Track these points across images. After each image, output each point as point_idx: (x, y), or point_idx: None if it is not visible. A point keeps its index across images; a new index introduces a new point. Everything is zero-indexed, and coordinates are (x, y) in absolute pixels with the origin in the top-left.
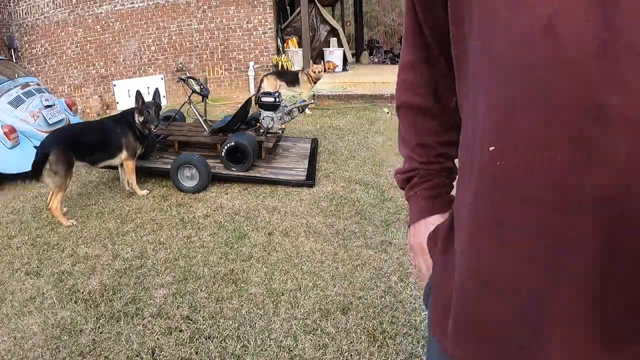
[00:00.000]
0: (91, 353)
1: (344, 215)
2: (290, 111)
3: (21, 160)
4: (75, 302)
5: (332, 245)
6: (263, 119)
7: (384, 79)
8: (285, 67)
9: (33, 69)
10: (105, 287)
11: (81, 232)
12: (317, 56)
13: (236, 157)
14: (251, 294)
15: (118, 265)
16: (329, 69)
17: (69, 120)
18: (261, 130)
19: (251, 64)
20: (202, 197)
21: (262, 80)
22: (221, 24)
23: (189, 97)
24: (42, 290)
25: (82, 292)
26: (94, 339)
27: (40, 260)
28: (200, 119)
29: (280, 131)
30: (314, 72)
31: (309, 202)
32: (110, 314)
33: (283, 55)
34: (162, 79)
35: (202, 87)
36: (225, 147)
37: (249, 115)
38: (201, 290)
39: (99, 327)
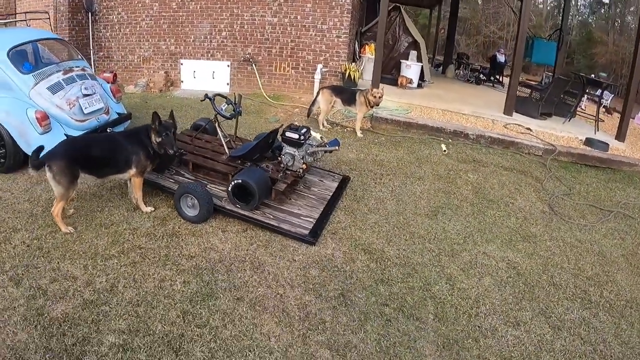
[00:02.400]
0: None
1: (326, 294)
2: (315, 153)
3: (50, 146)
4: (36, 327)
5: (292, 333)
6: (284, 154)
7: (456, 107)
8: (352, 78)
9: (108, 34)
10: (66, 317)
11: (73, 243)
12: (394, 67)
13: (243, 194)
14: None
15: (88, 294)
16: (401, 84)
17: (109, 109)
18: (281, 165)
19: (319, 66)
20: (199, 230)
21: (317, 93)
22: (295, 21)
23: (215, 116)
24: (15, 304)
25: (45, 317)
26: None
27: (27, 267)
28: (223, 141)
29: (300, 171)
30: (374, 96)
31: (299, 265)
32: (58, 350)
33: (353, 65)
34: (228, 66)
35: (235, 106)
36: (232, 183)
37: (275, 144)
38: (144, 350)
39: None
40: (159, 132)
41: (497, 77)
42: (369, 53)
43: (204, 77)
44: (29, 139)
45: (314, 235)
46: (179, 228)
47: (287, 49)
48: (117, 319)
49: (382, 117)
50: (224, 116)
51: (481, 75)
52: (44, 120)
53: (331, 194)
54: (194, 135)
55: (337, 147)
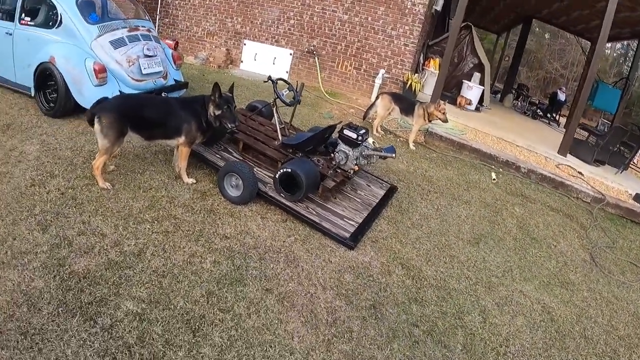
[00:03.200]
0: (32, 338)
1: (357, 303)
2: (370, 156)
3: None
4: (54, 277)
5: (317, 337)
6: (337, 152)
7: (510, 137)
8: (413, 89)
9: (177, 2)
10: (87, 273)
11: (108, 200)
12: (455, 86)
13: (289, 184)
14: (200, 354)
15: (113, 254)
16: (460, 104)
17: (167, 75)
18: (333, 162)
19: (382, 71)
20: (237, 212)
21: (377, 98)
22: (365, 21)
23: (274, 100)
24: (37, 250)
25: (66, 269)
26: (42, 326)
27: (57, 215)
28: (278, 127)
29: (351, 172)
30: (440, 111)
31: (335, 268)
32: (72, 306)
33: (416, 75)
34: (290, 54)
35: (294, 93)
36: (281, 171)
37: (330, 140)
38: (160, 324)
39: (54, 315)
40: (218, 105)
41: (555, 114)
42: (433, 67)
43: (265, 61)
44: (82, 89)
45: (354, 240)
46: (217, 206)
47: (352, 48)
48: (139, 286)
49: (437, 133)
50: (283, 101)
51: (538, 110)
52: (101, 72)
53: (377, 200)
54: (249, 115)
55: (393, 155)
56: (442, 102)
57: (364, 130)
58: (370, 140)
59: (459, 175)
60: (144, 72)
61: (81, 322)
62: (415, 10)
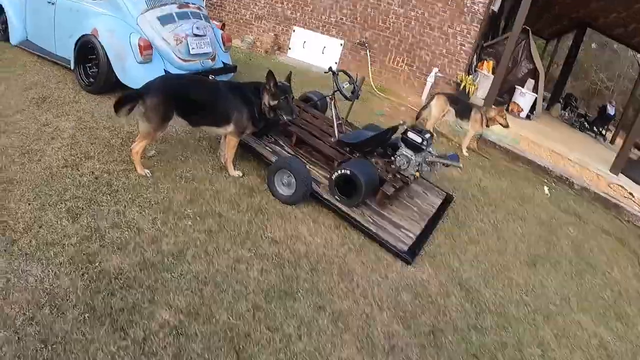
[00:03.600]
0: (53, 347)
1: (415, 328)
2: (433, 163)
3: (145, 79)
4: (82, 275)
5: None
6: (399, 155)
7: (562, 150)
8: (467, 90)
9: None
10: (120, 273)
11: (146, 189)
12: (507, 91)
13: (346, 186)
14: None
15: (150, 253)
16: (512, 110)
17: (215, 56)
18: (392, 166)
19: (435, 70)
20: (288, 213)
21: (432, 98)
22: (422, 17)
23: (333, 93)
24: (65, 241)
25: (96, 267)
26: (65, 334)
27: (90, 202)
28: (335, 122)
29: (412, 177)
30: (502, 116)
31: (391, 284)
32: (101, 312)
33: (470, 77)
34: (341, 44)
35: (354, 87)
36: (339, 172)
37: (390, 141)
38: (200, 341)
39: (80, 321)
40: (274, 95)
41: (602, 129)
42: (486, 70)
43: (314, 49)
44: (125, 65)
45: (412, 254)
46: (266, 204)
47: (406, 43)
48: (177, 293)
49: (491, 140)
50: (344, 95)
51: (586, 123)
52: (146, 49)
53: (434, 210)
54: (303, 107)
55: (459, 165)
56: (503, 110)
57: (429, 135)
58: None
59: (513, 187)
60: (192, 52)
61: (110, 332)
62: (475, 9)
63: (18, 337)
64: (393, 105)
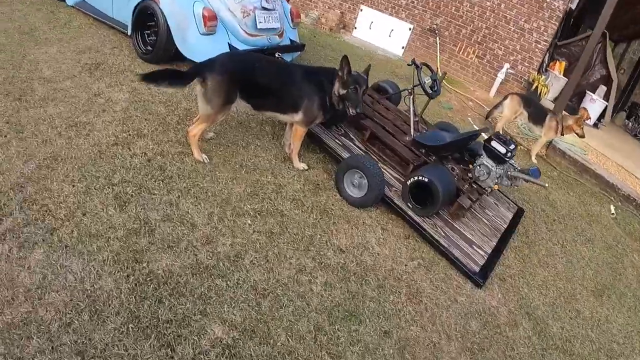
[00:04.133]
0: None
1: None
2: (515, 178)
3: (207, 51)
4: (127, 277)
5: None
6: (479, 165)
7: (630, 166)
8: (539, 92)
9: None
10: (169, 277)
11: (203, 178)
12: (575, 95)
13: (421, 195)
14: None
15: (204, 255)
16: (581, 117)
17: (283, 33)
18: (469, 175)
19: (506, 65)
20: (355, 217)
21: (505, 97)
22: (497, 8)
23: (413, 87)
24: (111, 234)
25: (143, 268)
26: (105, 346)
27: (140, 189)
28: (412, 119)
29: (489, 189)
30: (579, 126)
31: (461, 310)
32: (147, 323)
33: (543, 77)
34: (409, 29)
35: (434, 83)
36: (415, 178)
37: (469, 146)
38: None
39: (122, 332)
40: (345, 83)
41: None
42: (557, 71)
43: (380, 31)
44: (186, 36)
45: (483, 276)
46: (332, 205)
47: (478, 34)
48: (232, 306)
49: (560, 148)
50: (426, 92)
51: None
52: (211, 20)
53: (505, 225)
54: (377, 98)
55: (545, 185)
56: (585, 111)
57: (514, 146)
58: None
59: (581, 203)
60: (259, 26)
61: (156, 347)
62: (555, 5)
63: (52, 347)
64: (460, 98)
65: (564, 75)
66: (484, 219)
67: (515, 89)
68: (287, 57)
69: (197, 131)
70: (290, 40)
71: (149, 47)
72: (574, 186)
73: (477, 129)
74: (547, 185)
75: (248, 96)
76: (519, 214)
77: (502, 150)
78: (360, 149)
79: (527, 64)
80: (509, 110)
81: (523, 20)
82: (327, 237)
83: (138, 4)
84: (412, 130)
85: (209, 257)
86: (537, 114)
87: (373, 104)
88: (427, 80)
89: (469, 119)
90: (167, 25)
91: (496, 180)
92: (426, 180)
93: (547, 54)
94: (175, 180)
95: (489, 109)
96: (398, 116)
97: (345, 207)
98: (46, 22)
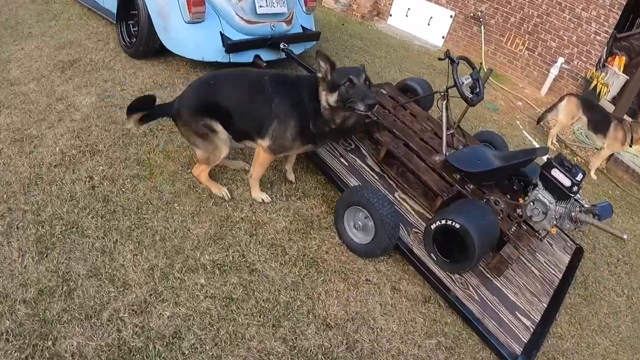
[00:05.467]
0: None
1: None
2: (582, 222)
3: (194, 43)
4: None
5: None
6: (534, 200)
7: None
8: (598, 92)
9: None
10: None
11: (155, 213)
12: (637, 96)
13: (450, 243)
14: None
15: (130, 331)
16: None
17: (292, 18)
18: (518, 210)
19: (561, 60)
20: (356, 270)
21: (561, 99)
22: None
23: (447, 88)
24: (18, 294)
25: (42, 354)
26: None
27: (71, 227)
28: (445, 132)
29: (544, 232)
30: None
31: None
32: None
33: (603, 73)
34: (451, 17)
35: (475, 85)
36: (441, 222)
37: (526, 166)
38: None
39: None
40: (333, 85)
41: None
42: (617, 66)
43: (418, 19)
44: (169, 25)
45: (529, 356)
46: (326, 253)
47: (529, 23)
48: None
49: (623, 161)
50: (464, 96)
51: None
52: (197, 5)
53: (561, 274)
54: (399, 102)
55: (624, 237)
56: None
57: (581, 175)
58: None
59: None
60: (259, 11)
61: None
62: None
63: None
64: (507, 97)
65: (624, 72)
66: (533, 269)
67: (570, 88)
68: (298, 49)
69: (200, 171)
70: (303, 27)
71: (134, 39)
72: (639, 209)
73: (537, 146)
74: (626, 236)
75: (226, 125)
76: (577, 255)
77: (566, 182)
78: (374, 171)
79: (584, 59)
80: (566, 114)
81: (580, 7)
82: (311, 305)
83: None
84: (444, 147)
85: (136, 336)
86: (600, 121)
87: (395, 109)
88: (466, 80)
89: (518, 122)
90: (148, 13)
91: (554, 222)
92: (457, 226)
93: (606, 48)
94: (119, 217)
95: (540, 111)
96: (428, 126)
97: (344, 255)
98: (35, 15)
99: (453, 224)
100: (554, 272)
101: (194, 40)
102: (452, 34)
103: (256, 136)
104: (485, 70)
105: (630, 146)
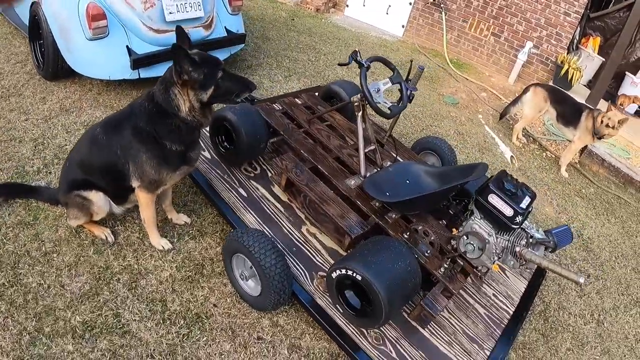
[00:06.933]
0: None
1: None
2: (528, 260)
3: (98, 61)
4: None
5: None
6: (467, 234)
7: None
8: (569, 77)
9: None
10: None
11: (32, 267)
12: (612, 78)
13: (355, 294)
14: None
15: None
16: (621, 104)
17: (212, 22)
18: (453, 243)
19: (529, 44)
20: (248, 326)
21: (526, 90)
22: None
23: (361, 96)
24: None
25: None
26: None
27: None
28: (362, 149)
29: (482, 269)
30: (608, 124)
31: None
32: None
33: (574, 58)
34: (410, 4)
35: (405, 88)
36: (339, 272)
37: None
38: None
39: None
40: (205, 78)
41: None
42: (591, 48)
43: (376, 8)
44: (71, 44)
45: None
46: (214, 305)
47: (493, 6)
48: None
49: (598, 154)
50: (375, 108)
51: None
52: (96, 20)
53: (512, 310)
54: (316, 114)
55: (580, 281)
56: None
57: (529, 200)
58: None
59: (626, 235)
60: (168, 18)
61: None
62: None
63: None
64: (469, 88)
65: (599, 53)
66: (477, 307)
67: (540, 74)
68: (222, 55)
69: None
70: (227, 31)
71: (42, 59)
72: (616, 208)
73: (502, 147)
74: (582, 280)
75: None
76: (536, 279)
77: (507, 211)
78: (280, 201)
79: (554, 42)
80: (532, 107)
81: None
82: None
83: (31, 5)
84: (361, 168)
85: None
86: (570, 113)
87: (310, 123)
88: (384, 86)
89: (480, 117)
90: (51, 31)
91: (495, 258)
92: (359, 278)
93: (579, 29)
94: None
95: (507, 102)
96: (352, 140)
97: (235, 307)
98: None
99: (354, 275)
100: (504, 306)
101: (97, 59)
102: (412, 22)
103: (128, 184)
104: (418, 69)
105: (599, 139)
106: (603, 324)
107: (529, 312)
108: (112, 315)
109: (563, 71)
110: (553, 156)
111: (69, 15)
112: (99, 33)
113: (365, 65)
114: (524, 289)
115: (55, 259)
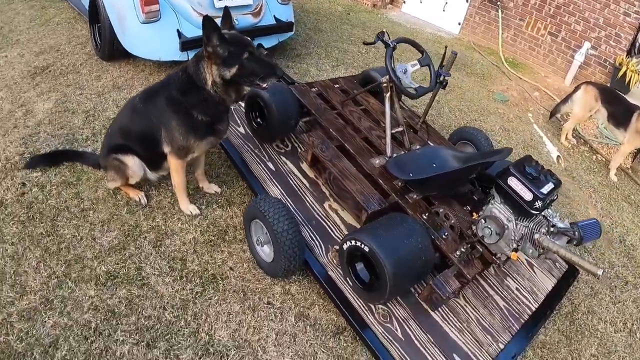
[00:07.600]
0: None
1: None
2: (542, 246)
3: (151, 44)
4: None
5: None
6: (485, 218)
7: None
8: (627, 80)
9: None
10: None
11: (69, 220)
12: None
13: (364, 267)
14: None
15: (15, 336)
16: None
17: (261, 10)
18: (472, 229)
19: (587, 45)
20: (260, 291)
21: (576, 89)
22: None
23: (390, 78)
24: None
25: None
26: None
27: None
28: (388, 130)
29: (501, 257)
30: None
31: None
32: None
33: (634, 59)
34: (467, 1)
35: (435, 71)
36: (350, 243)
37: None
38: None
39: None
40: (230, 55)
41: None
42: None
43: (433, 5)
44: (125, 27)
45: None
46: (230, 269)
47: (551, 5)
48: None
49: None
50: (399, 88)
51: None
52: (149, 4)
53: (534, 306)
54: (351, 95)
55: (598, 273)
56: None
57: (551, 186)
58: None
59: None
60: (217, 4)
61: None
62: None
63: None
64: (522, 87)
65: None
66: (497, 298)
67: (598, 76)
68: (269, 42)
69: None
70: (276, 19)
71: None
72: None
73: (548, 144)
74: (600, 272)
75: (141, 158)
76: (566, 279)
77: (527, 195)
78: (307, 177)
79: (613, 43)
80: (582, 106)
81: None
82: (197, 325)
83: None
84: (387, 148)
85: (19, 341)
86: (621, 113)
87: (344, 105)
88: (413, 68)
89: (530, 116)
90: (107, 15)
91: (514, 245)
92: (366, 249)
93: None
94: (36, 223)
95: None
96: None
97: (250, 273)
98: (29, 21)
99: (362, 246)
100: (526, 301)
101: (150, 41)
102: (469, 19)
103: (157, 150)
104: (451, 53)
105: None
106: (636, 334)
107: (555, 312)
108: (135, 268)
109: (621, 73)
110: (604, 160)
111: (125, 1)
112: (152, 17)
113: (392, 46)
114: (551, 287)
115: (91, 215)
